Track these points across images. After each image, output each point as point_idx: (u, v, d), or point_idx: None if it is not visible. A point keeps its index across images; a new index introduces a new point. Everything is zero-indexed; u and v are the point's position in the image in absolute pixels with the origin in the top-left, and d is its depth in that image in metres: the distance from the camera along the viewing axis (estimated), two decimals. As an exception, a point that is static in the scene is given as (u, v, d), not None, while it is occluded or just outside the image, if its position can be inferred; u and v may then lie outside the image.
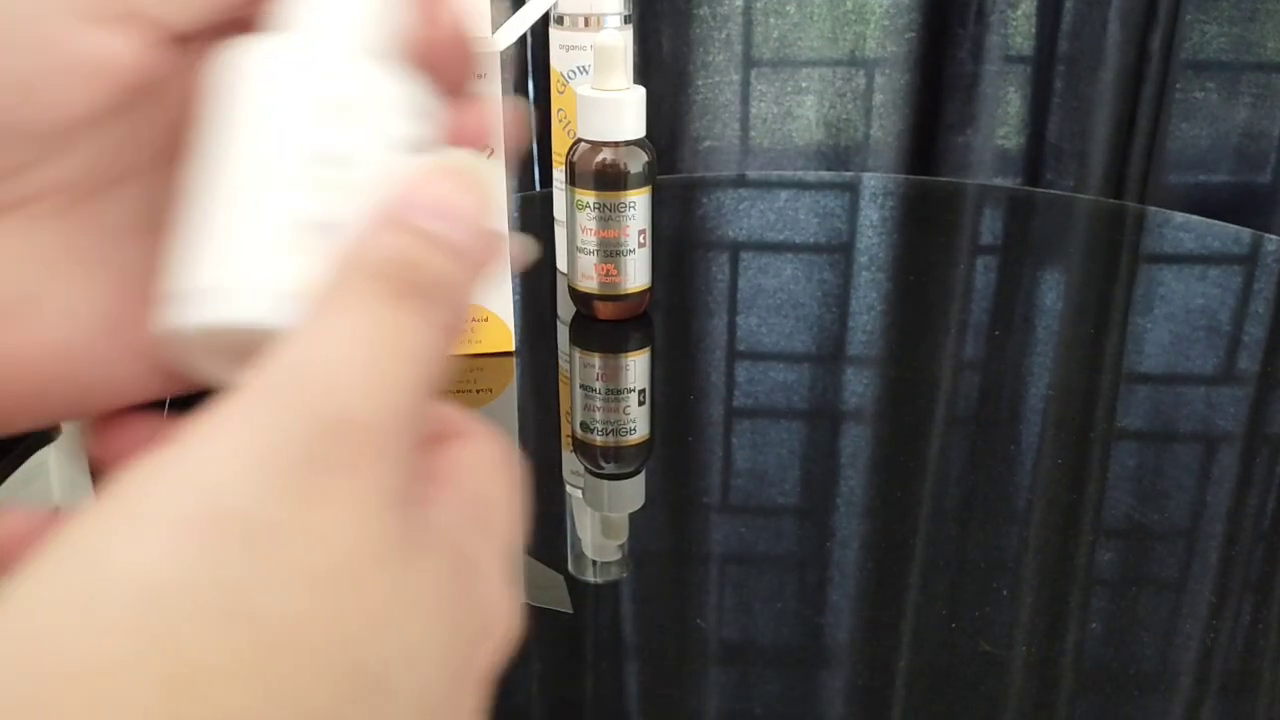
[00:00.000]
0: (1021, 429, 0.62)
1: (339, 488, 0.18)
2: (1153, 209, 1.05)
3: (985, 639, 0.44)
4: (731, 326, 0.74)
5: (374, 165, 0.22)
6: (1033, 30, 1.37)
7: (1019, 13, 1.36)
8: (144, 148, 0.23)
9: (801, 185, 1.15)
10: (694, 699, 0.42)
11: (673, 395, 0.65)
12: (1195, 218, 0.98)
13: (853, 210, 1.04)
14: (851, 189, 1.13)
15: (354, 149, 0.22)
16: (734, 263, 0.88)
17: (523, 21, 0.51)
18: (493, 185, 0.22)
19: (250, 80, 0.22)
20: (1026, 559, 0.50)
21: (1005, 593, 0.47)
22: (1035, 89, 1.39)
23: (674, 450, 0.60)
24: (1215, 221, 0.95)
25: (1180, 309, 0.78)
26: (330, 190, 0.22)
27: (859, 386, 0.68)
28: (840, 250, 0.92)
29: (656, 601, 0.48)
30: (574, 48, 0.70)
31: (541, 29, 0.72)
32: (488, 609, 0.21)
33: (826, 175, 1.35)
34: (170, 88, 0.23)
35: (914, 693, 0.42)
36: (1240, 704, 0.42)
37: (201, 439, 0.18)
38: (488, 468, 0.22)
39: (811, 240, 0.93)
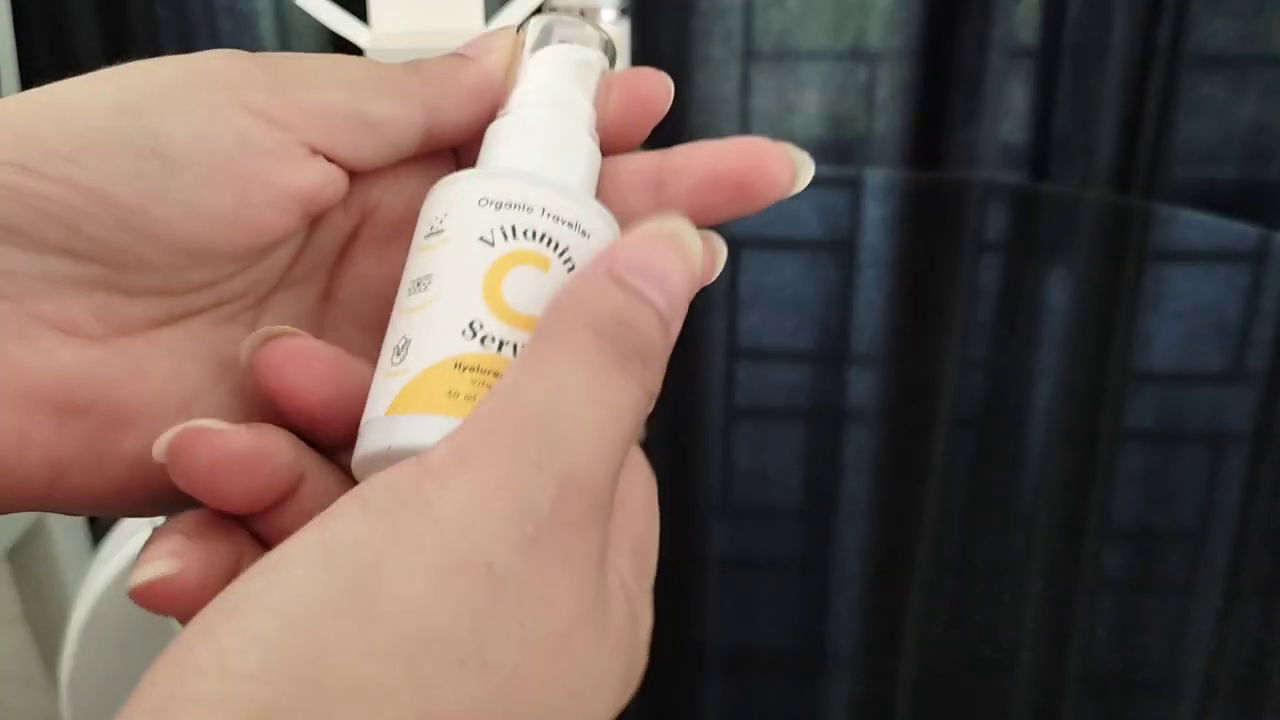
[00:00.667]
0: (1027, 429, 0.62)
1: (569, 549, 0.19)
2: (1159, 206, 1.04)
3: (988, 645, 0.44)
4: (732, 325, 0.73)
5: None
6: (1038, 23, 1.37)
7: (1024, 5, 1.35)
8: (304, 263, 0.26)
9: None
10: (694, 702, 0.42)
11: (673, 395, 0.64)
12: (1201, 215, 0.98)
13: (855, 207, 1.04)
14: (854, 185, 1.12)
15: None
16: (734, 260, 0.87)
17: (515, 15, 0.50)
18: (699, 253, 0.23)
19: (428, 210, 0.24)
20: (1031, 562, 0.50)
21: (1008, 597, 0.47)
22: (1041, 82, 1.38)
23: (674, 451, 0.59)
24: (1222, 219, 0.94)
25: (1187, 307, 0.77)
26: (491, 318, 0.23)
27: (862, 386, 0.68)
28: (843, 248, 0.91)
29: (656, 604, 0.47)
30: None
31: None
32: (642, 655, 0.22)
33: (829, 171, 1.35)
34: (336, 212, 0.26)
35: (915, 699, 0.42)
36: (1248, 709, 0.42)
37: (459, 482, 0.19)
38: (645, 508, 0.24)
39: (813, 237, 0.93)
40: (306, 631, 0.17)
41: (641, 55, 1.27)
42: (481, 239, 0.23)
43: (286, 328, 0.24)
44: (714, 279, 0.26)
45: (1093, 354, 0.72)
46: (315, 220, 0.25)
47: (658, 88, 0.26)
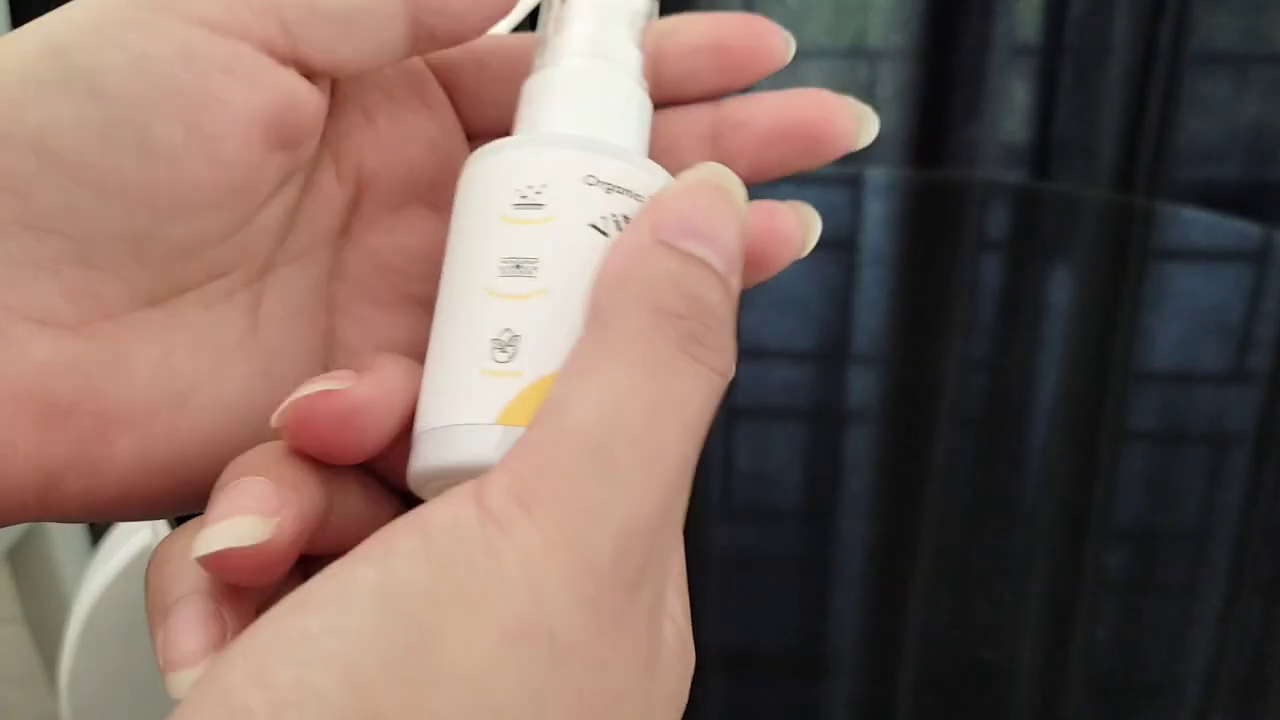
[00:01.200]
0: (1028, 428, 0.62)
1: (625, 609, 0.18)
2: (1161, 204, 1.04)
3: (989, 646, 0.44)
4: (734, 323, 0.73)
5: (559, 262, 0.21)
6: (1039, 21, 1.36)
7: (1025, 4, 1.35)
8: (300, 234, 0.23)
9: (803, 180, 1.14)
10: (694, 702, 0.41)
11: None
12: (1203, 214, 0.98)
13: (856, 205, 1.03)
14: (855, 183, 1.12)
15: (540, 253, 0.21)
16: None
17: (514, 15, 0.50)
18: (745, 200, 0.21)
19: (466, 188, 0.22)
20: (1032, 563, 0.49)
21: (1009, 598, 0.47)
22: (1042, 81, 1.38)
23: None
24: (1224, 218, 0.94)
25: (1189, 307, 0.77)
26: (522, 299, 0.21)
27: (862, 385, 0.68)
28: (844, 247, 0.91)
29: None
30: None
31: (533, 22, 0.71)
32: (685, 683, 0.21)
33: (829, 170, 1.35)
34: (327, 176, 0.24)
35: (915, 700, 0.42)
36: (1250, 711, 0.42)
37: (521, 531, 0.17)
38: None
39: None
40: (367, 694, 0.16)
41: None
42: (594, 226, 0.21)
43: (319, 385, 0.21)
44: (805, 253, 0.25)
45: (1094, 353, 0.71)
46: (313, 174, 0.23)
47: (773, 40, 0.25)
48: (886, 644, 0.45)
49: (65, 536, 0.94)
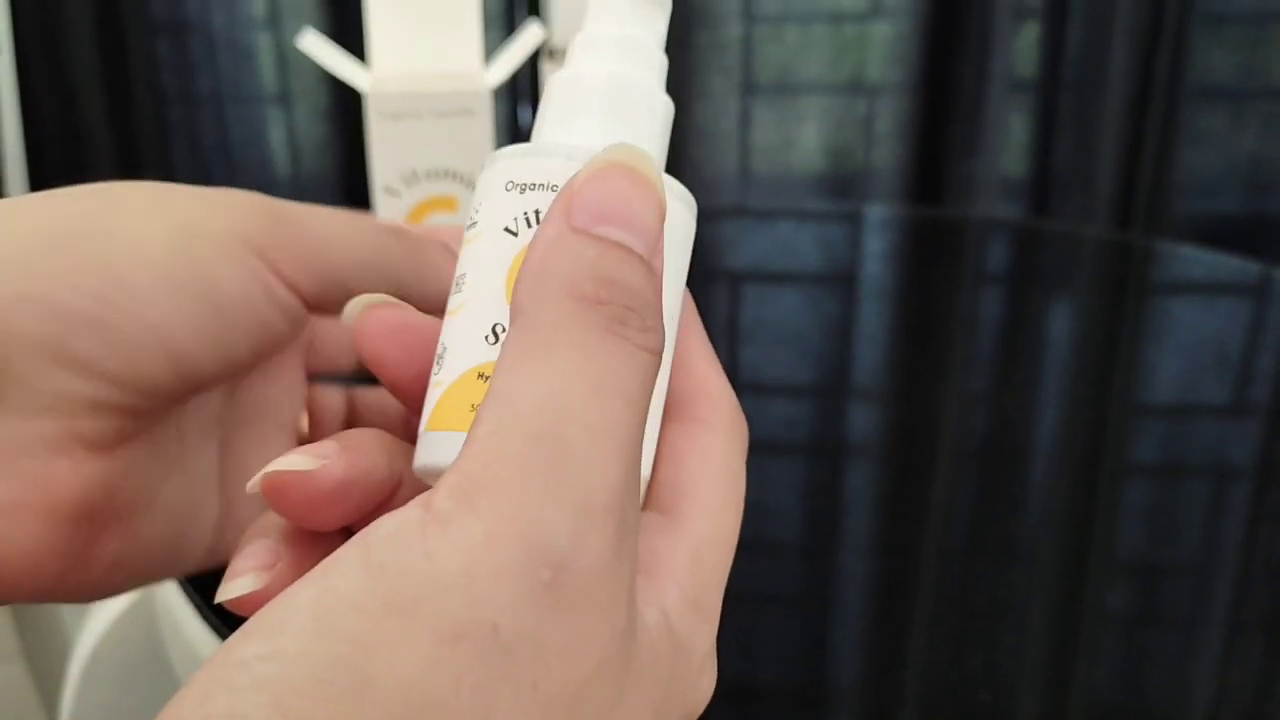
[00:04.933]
0: (1029, 464, 0.62)
1: (591, 589, 0.17)
2: (1159, 243, 1.04)
3: (988, 685, 0.43)
4: (732, 358, 0.73)
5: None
6: (1036, 56, 1.37)
7: (1022, 38, 1.36)
8: (237, 364, 0.26)
9: (802, 216, 1.15)
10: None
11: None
12: (1202, 252, 0.98)
13: (855, 241, 1.04)
14: (854, 219, 1.12)
15: None
16: (734, 293, 0.87)
17: (514, 56, 0.50)
18: (659, 177, 0.20)
19: (474, 195, 0.23)
20: (1032, 601, 0.49)
21: (1009, 637, 0.46)
22: (1040, 115, 1.38)
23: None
24: (1223, 256, 0.94)
25: (1189, 341, 0.77)
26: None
27: (862, 421, 0.68)
28: (843, 281, 0.91)
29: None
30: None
31: (534, 61, 0.71)
32: (689, 689, 0.21)
33: (828, 206, 1.35)
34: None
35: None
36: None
37: (463, 527, 0.17)
38: (715, 510, 0.22)
39: (813, 271, 0.93)
40: (295, 714, 0.16)
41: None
42: (506, 229, 0.21)
43: (387, 297, 0.24)
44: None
45: (1094, 387, 0.71)
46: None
47: None
48: (886, 679, 0.44)
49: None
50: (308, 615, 0.16)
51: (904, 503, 0.57)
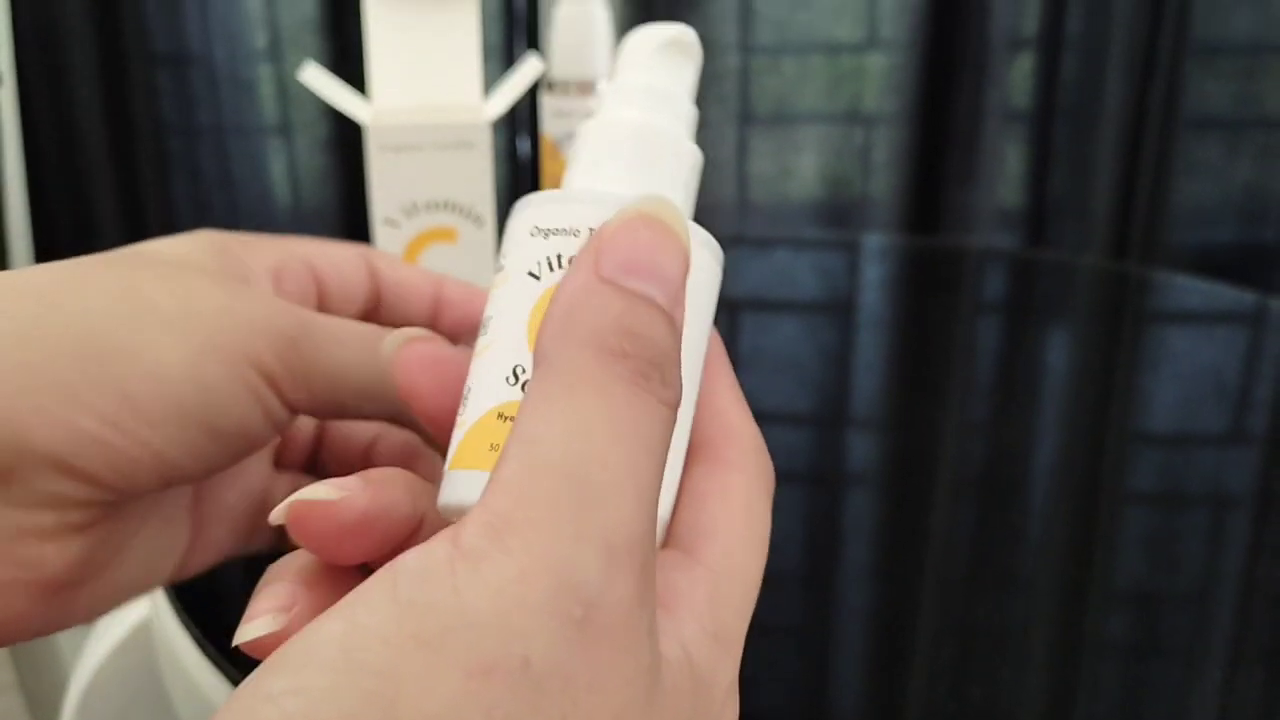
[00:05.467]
0: (1026, 492, 0.61)
1: (619, 625, 0.18)
2: (1155, 272, 1.04)
3: (985, 716, 0.43)
4: (730, 389, 0.73)
5: None
6: (1032, 87, 1.37)
7: (1017, 69, 1.36)
8: (220, 466, 0.28)
9: (800, 245, 1.15)
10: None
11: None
12: (1198, 281, 0.98)
13: (853, 270, 1.04)
14: (851, 248, 1.12)
15: None
16: (732, 322, 0.87)
17: (513, 89, 0.50)
18: (686, 230, 0.21)
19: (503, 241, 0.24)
20: (1032, 627, 0.49)
21: (1007, 667, 0.46)
22: (1036, 146, 1.39)
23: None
24: (1219, 285, 0.94)
25: (1186, 370, 0.77)
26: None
27: (860, 449, 0.68)
28: (841, 310, 0.91)
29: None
30: (566, 113, 0.70)
31: (533, 93, 0.72)
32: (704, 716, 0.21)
33: (826, 235, 1.35)
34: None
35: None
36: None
37: (494, 564, 0.17)
38: (734, 549, 0.22)
39: (811, 299, 0.93)
40: None
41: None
42: (529, 273, 0.22)
43: (425, 331, 0.25)
44: None
45: (1092, 416, 0.71)
46: None
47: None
48: (885, 709, 0.44)
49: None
50: (335, 649, 0.16)
51: (902, 530, 0.57)
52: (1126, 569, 0.53)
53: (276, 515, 0.22)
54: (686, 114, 0.24)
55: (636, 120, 0.24)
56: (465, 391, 0.22)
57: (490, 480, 0.18)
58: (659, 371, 0.20)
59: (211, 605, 0.49)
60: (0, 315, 0.24)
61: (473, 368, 0.22)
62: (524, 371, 0.21)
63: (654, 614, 0.19)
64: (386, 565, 0.18)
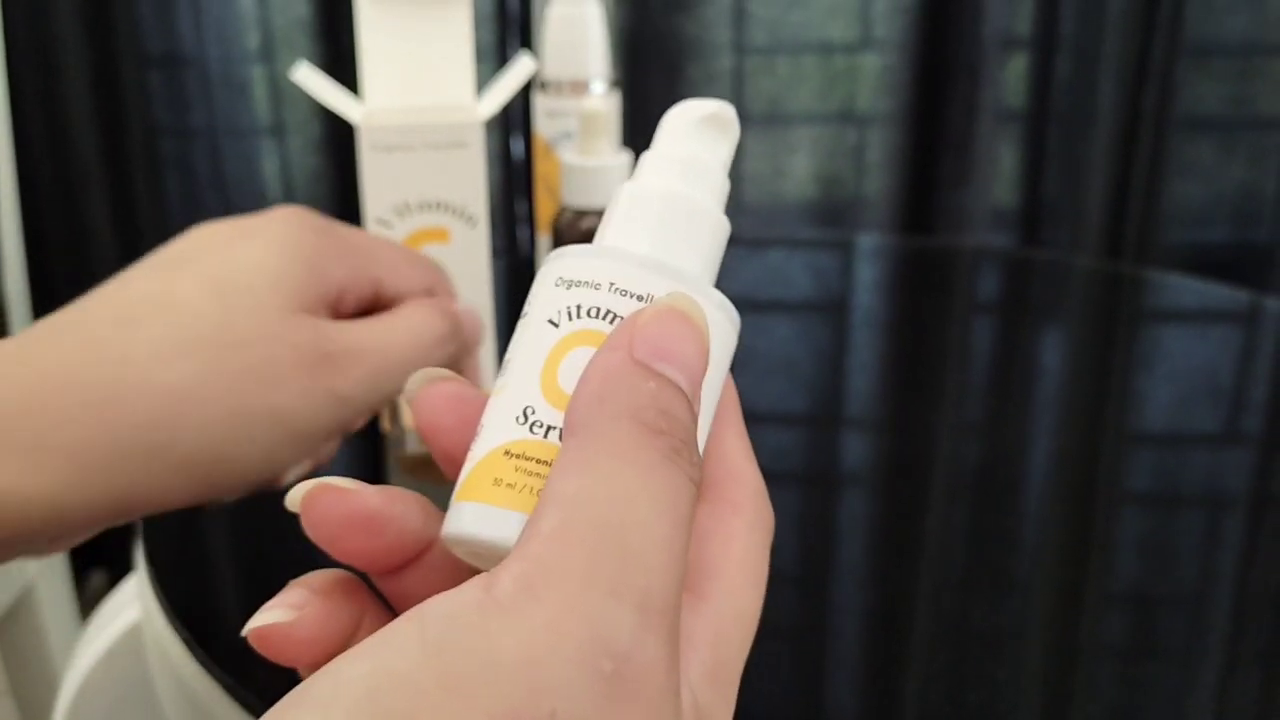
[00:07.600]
0: (1021, 493, 0.61)
1: (647, 682, 0.18)
2: (1150, 272, 1.04)
3: (980, 718, 0.43)
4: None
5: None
6: (1025, 87, 1.37)
7: (1011, 69, 1.36)
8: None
9: (794, 245, 1.15)
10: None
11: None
12: (1193, 280, 0.98)
13: (846, 270, 1.04)
14: (845, 248, 1.12)
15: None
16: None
17: (506, 89, 0.50)
18: (707, 326, 0.23)
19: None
20: (1026, 628, 0.49)
21: (1003, 668, 0.46)
22: (1030, 146, 1.39)
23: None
24: (1213, 285, 0.94)
25: (1180, 370, 0.77)
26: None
27: (854, 450, 0.68)
28: (835, 310, 0.91)
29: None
30: (559, 114, 0.70)
31: (525, 93, 0.72)
32: None
33: (820, 234, 1.35)
34: None
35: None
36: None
37: (527, 616, 0.18)
38: (740, 584, 0.23)
39: (805, 300, 0.93)
40: None
41: (632, 123, 1.28)
42: (549, 321, 0.23)
43: (447, 371, 0.26)
44: None
45: (1086, 416, 0.71)
46: None
47: None
48: (879, 711, 0.44)
49: (53, 609, 0.93)
50: (361, 690, 0.16)
51: (895, 531, 0.57)
52: (1122, 570, 0.53)
53: (292, 500, 0.23)
54: (718, 186, 0.26)
55: (669, 189, 0.25)
56: (479, 427, 0.23)
57: (527, 531, 0.19)
58: (689, 451, 0.21)
59: (202, 609, 0.49)
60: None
61: (489, 405, 0.24)
62: (533, 413, 0.22)
63: (679, 679, 0.19)
64: (414, 608, 0.18)
